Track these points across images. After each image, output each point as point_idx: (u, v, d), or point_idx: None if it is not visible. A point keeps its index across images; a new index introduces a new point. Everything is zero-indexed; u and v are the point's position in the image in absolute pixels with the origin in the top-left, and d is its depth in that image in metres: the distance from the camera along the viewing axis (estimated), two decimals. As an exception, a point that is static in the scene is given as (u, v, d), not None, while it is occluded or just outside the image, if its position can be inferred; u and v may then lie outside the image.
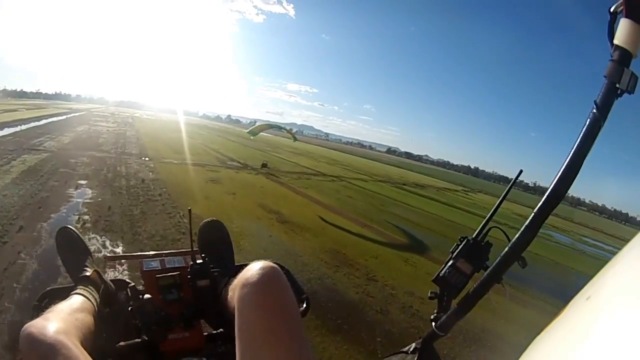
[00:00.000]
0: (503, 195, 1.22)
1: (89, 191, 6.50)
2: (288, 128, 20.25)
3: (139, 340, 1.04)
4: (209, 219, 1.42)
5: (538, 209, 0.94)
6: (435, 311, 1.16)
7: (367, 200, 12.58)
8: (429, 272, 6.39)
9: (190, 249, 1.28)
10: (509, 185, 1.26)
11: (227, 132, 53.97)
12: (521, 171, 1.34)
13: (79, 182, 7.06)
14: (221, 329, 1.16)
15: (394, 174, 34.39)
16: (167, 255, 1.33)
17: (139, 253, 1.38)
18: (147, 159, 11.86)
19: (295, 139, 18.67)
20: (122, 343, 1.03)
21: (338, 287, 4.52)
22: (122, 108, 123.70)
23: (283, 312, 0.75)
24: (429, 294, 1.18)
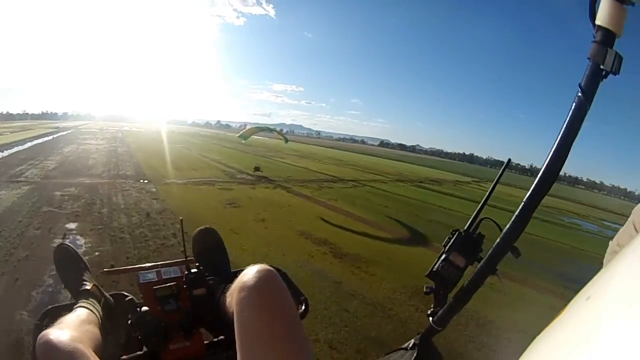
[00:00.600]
0: (492, 186, 1.24)
1: (81, 240, 4.88)
2: (278, 129, 19.32)
3: (141, 352, 1.05)
4: (202, 227, 1.42)
5: (528, 198, 0.94)
6: (432, 306, 1.15)
7: (402, 208, 11.12)
8: (518, 295, 5.14)
9: (184, 259, 1.29)
10: (498, 176, 1.25)
11: (221, 138, 51.99)
12: (509, 160, 1.35)
13: (67, 226, 5.43)
14: (222, 336, 1.17)
15: (403, 170, 33.03)
16: (162, 266, 1.32)
17: (135, 266, 1.35)
18: (146, 181, 10.19)
19: (286, 140, 17.48)
20: (124, 357, 1.02)
21: (456, 347, 3.34)
22: (110, 122, 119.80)
23: (281, 313, 0.75)
24: (424, 289, 1.16)
